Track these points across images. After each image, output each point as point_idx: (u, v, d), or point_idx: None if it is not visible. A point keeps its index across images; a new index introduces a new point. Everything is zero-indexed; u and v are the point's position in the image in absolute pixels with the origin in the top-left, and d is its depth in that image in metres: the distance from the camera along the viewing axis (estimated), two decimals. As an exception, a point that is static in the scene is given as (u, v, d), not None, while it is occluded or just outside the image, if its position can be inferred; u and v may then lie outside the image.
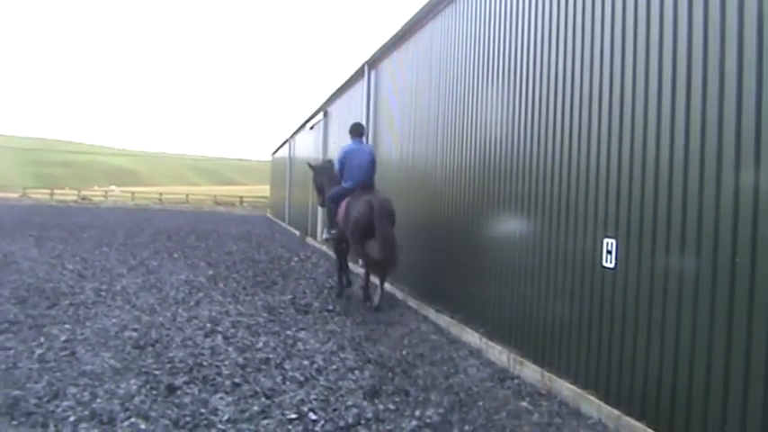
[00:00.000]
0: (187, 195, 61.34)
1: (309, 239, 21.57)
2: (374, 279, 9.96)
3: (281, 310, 9.13)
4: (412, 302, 9.98)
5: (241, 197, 58.82)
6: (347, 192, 10.11)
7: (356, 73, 14.77)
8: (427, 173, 9.73)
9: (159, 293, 10.10)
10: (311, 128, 22.54)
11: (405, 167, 10.99)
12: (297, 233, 24.24)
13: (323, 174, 11.35)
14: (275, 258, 15.65)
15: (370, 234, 9.10)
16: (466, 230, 8.18)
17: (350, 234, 9.52)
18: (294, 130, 28.65)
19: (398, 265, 9.14)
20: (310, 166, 12.18)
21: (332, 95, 18.25)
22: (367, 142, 11.98)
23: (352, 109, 15.65)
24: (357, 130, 10.52)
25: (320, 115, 20.27)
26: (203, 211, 48.46)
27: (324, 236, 10.79)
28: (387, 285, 10.04)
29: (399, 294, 10.64)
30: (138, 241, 18.99)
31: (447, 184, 8.90)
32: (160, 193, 62.10)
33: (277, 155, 37.35)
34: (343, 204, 9.97)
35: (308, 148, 23.67)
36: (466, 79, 8.46)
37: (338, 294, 10.42)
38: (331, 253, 14.85)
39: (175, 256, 15.42)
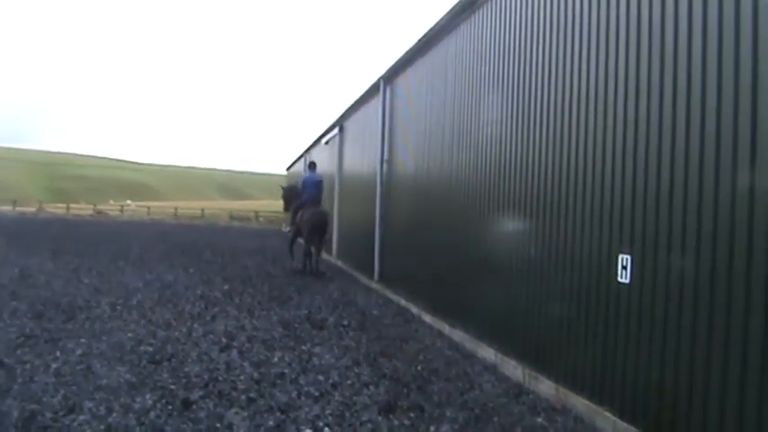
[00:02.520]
0: (203, 210, 61.58)
1: (325, 255, 21.61)
2: (314, 255, 15.70)
3: (297, 325, 9.20)
4: (427, 318, 10.02)
5: (256, 212, 58.97)
6: (303, 203, 16.30)
7: (372, 88, 14.91)
8: (443, 188, 9.81)
9: (175, 308, 10.19)
10: (326, 143, 22.71)
11: (420, 183, 11.09)
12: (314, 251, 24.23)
13: (290, 192, 18.49)
14: (291, 274, 15.74)
15: (316, 229, 15.50)
16: (480, 247, 8.22)
17: (304, 229, 15.77)
18: (309, 145, 28.81)
19: (325, 244, 16.28)
20: (282, 187, 19.67)
21: (347, 110, 18.40)
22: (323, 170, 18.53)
23: (367, 124, 15.80)
24: (312, 166, 16.89)
25: (335, 130, 20.44)
26: (219, 225, 48.68)
27: (287, 229, 18.82)
28: (402, 301, 11.38)
29: (414, 309, 10.69)
30: (153, 256, 19.15)
31: (462, 200, 8.96)
32: (176, 208, 62.34)
33: (292, 170, 37.53)
34: (300, 212, 16.31)
35: (323, 162, 23.77)
36: (481, 94, 8.53)
37: (302, 267, 15.97)
38: (346, 269, 16.92)
39: (191, 270, 15.55)
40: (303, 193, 16.59)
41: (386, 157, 13.55)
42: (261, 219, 56.63)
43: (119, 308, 9.97)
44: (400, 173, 12.54)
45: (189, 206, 69.91)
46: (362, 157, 16.23)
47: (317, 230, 15.86)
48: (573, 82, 6.23)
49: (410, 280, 11.38)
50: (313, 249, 15.89)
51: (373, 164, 14.52)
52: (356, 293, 12.77)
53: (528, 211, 6.99)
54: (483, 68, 8.44)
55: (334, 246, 20.19)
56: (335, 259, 19.64)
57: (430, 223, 10.37)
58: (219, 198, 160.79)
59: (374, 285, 13.65)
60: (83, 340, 7.74)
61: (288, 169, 43.07)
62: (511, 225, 7.38)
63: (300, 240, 17.23)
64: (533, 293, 6.76)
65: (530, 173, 6.97)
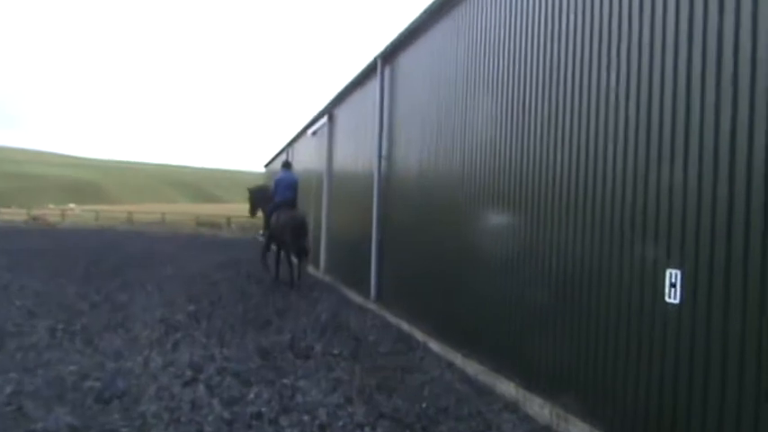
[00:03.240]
0: (163, 215, 61.72)
1: (311, 269, 21.68)
2: (293, 263, 17.17)
3: (277, 354, 9.23)
4: (434, 345, 10.04)
5: (228, 217, 59.06)
6: (277, 205, 17.77)
7: (367, 69, 15.00)
8: (455, 191, 9.87)
9: (128, 334, 10.21)
10: (313, 133, 22.86)
11: (427, 184, 11.18)
12: (295, 261, 24.25)
13: (258, 194, 19.95)
14: (269, 292, 15.79)
15: (293, 236, 16.91)
16: (500, 263, 8.25)
17: (280, 234, 17.34)
18: (293, 137, 28.95)
19: (310, 252, 18.23)
20: (248, 189, 20.71)
21: (338, 96, 18.53)
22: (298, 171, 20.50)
23: (362, 113, 15.93)
24: (286, 165, 18.99)
25: (323, 119, 20.57)
26: (183, 233, 48.78)
27: (260, 233, 20.09)
28: (404, 324, 11.54)
29: (419, 335, 10.73)
30: (102, 270, 19.21)
31: (480, 206, 9.00)
32: (130, 213, 62.49)
33: (272, 166, 37.63)
34: (274, 216, 17.72)
35: (309, 156, 23.87)
36: (509, 72, 8.55)
37: (273, 276, 17.92)
38: (336, 286, 17.11)
39: (149, 288, 15.62)
40: (275, 195, 17.95)
41: (384, 152, 13.62)
42: (233, 226, 56.71)
43: (58, 334, 9.98)
44: (402, 171, 12.60)
45: (146, 210, 69.99)
46: (356, 152, 16.32)
47: (296, 236, 17.05)
48: (629, 65, 6.24)
49: (414, 299, 11.42)
50: (294, 259, 17.30)
51: (369, 160, 14.61)
52: (348, 315, 12.81)
53: (557, 220, 7.00)
54: (510, 41, 8.39)
55: (322, 258, 20.27)
56: (323, 274, 19.70)
57: (438, 232, 10.42)
58: (184, 201, 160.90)
59: (370, 305, 13.70)
60: (13, 375, 7.72)
61: (266, 166, 43.21)
62: (536, 236, 7.42)
63: (275, 247, 18.44)
64: (562, 318, 6.76)
65: (558, 172, 7.00)
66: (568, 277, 6.72)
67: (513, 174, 8.01)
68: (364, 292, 14.36)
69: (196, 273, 19.63)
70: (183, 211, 75.73)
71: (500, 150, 8.41)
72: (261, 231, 20.02)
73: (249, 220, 25.49)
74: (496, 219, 8.43)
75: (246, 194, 20.86)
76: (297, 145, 28.45)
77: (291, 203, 17.81)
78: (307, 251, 17.65)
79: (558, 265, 6.90)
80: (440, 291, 10.20)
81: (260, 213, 20.46)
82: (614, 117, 6.15)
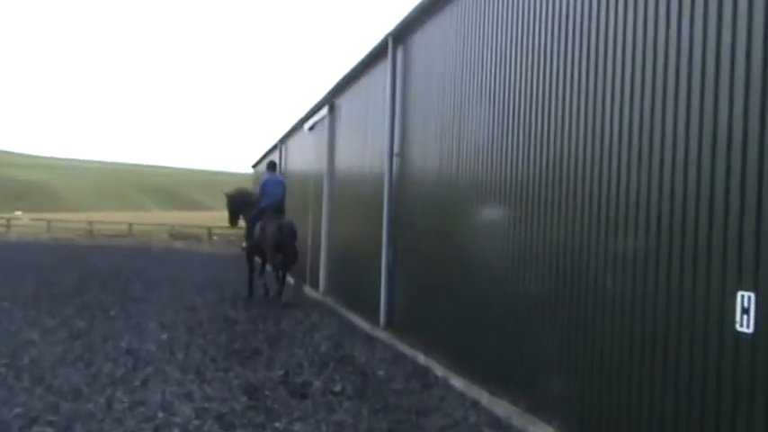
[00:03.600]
0: (130, 225, 61.58)
1: (308, 289, 21.74)
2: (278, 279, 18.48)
3: (268, 393, 9.26)
4: (456, 381, 10.07)
5: (209, 227, 59.05)
6: (263, 210, 18.75)
7: (376, 51, 15.11)
8: (484, 196, 9.90)
9: (88, 369, 10.22)
10: (311, 128, 23.03)
11: (449, 188, 11.23)
12: (290, 281, 24.29)
13: (237, 200, 20.65)
14: (259, 317, 15.87)
15: (280, 248, 17.96)
16: (537, 281, 8.27)
17: (265, 245, 18.22)
18: (285, 132, 29.11)
19: (295, 263, 19.10)
20: (226, 194, 21.36)
21: (340, 83, 18.68)
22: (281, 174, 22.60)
23: (369, 103, 16.03)
24: (272, 166, 20.21)
25: (323, 111, 20.73)
26: (154, 247, 48.80)
27: (244, 245, 20.07)
28: (420, 357, 11.63)
29: (438, 369, 10.78)
30: (57, 292, 19.28)
31: (514, 214, 9.01)
32: (90, 222, 62.45)
33: (261, 167, 37.74)
34: (259, 225, 18.58)
35: (306, 155, 23.96)
36: (553, 49, 8.55)
37: (249, 294, 19.11)
38: (339, 310, 17.21)
39: (113, 313, 15.70)
40: (261, 201, 19.05)
41: (397, 149, 13.69)
42: (216, 238, 56.71)
43: (1, 370, 9.99)
44: (418, 172, 12.67)
45: (110, 219, 69.88)
46: (363, 150, 16.43)
47: (283, 248, 18.01)
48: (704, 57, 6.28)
49: (432, 327, 11.48)
50: (279, 273, 18.48)
51: (379, 159, 14.70)
52: (354, 345, 12.85)
53: (607, 232, 7.01)
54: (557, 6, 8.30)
55: (322, 276, 20.37)
56: (323, 295, 19.78)
57: (463, 246, 10.47)
58: (156, 207, 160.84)
59: (379, 334, 13.76)
60: (-57, 421, 7.71)
61: (254, 167, 43.42)
62: (579, 249, 7.43)
63: (258, 260, 19.53)
64: (613, 348, 6.78)
65: (614, 184, 6.98)
66: (626, 303, 6.70)
67: (545, 174, 8.07)
68: (372, 317, 14.42)
69: (170, 295, 19.72)
70: (154, 220, 75.50)
71: (515, 149, 8.50)
72: (243, 244, 20.69)
73: (235, 231, 25.52)
74: (541, 230, 8.41)
75: (225, 200, 21.33)
76: (290, 142, 28.54)
77: (278, 209, 18.80)
78: (291, 263, 18.68)
79: (619, 293, 6.87)
80: (464, 317, 10.24)
81: (242, 222, 20.86)
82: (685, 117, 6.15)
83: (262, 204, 18.87)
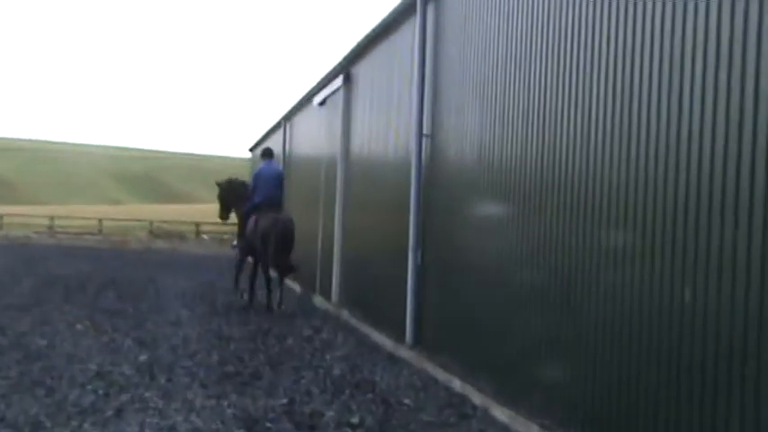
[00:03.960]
0: (100, 221, 61.82)
1: (319, 300, 21.71)
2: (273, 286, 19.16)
3: (269, 425, 9.23)
4: (499, 412, 10.05)
5: (197, 223, 59.11)
6: (257, 205, 19.28)
7: (402, 8, 15.11)
8: (543, 187, 9.77)
9: (50, 397, 10.17)
10: (321, 103, 23.09)
11: (493, 177, 11.17)
12: (296, 289, 24.71)
13: (230, 191, 21.45)
14: (258, 333, 15.85)
15: (275, 246, 18.50)
16: (602, 292, 8.21)
17: (259, 243, 18.78)
18: (290, 109, 29.22)
19: (295, 270, 19.82)
20: (218, 184, 22.11)
21: (357, 48, 18.75)
22: (279, 163, 23.57)
23: (393, 72, 16.05)
24: (267, 154, 20.51)
25: (337, 81, 20.75)
26: (130, 248, 48.78)
27: (233, 243, 21.99)
28: (455, 382, 11.53)
29: (477, 398, 10.75)
30: (9, 303, 19.27)
31: (582, 209, 8.88)
32: (51, 218, 62.57)
33: (260, 150, 37.73)
34: (251, 220, 19.28)
35: (316, 135, 23.95)
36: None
37: (247, 301, 19.79)
38: (355, 324, 17.21)
39: (79, 327, 15.68)
40: (254, 193, 19.75)
41: (427, 129, 13.70)
42: (205, 236, 56.80)
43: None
44: (453, 157, 12.66)
45: (76, 214, 70.13)
46: (386, 129, 16.47)
47: (279, 247, 18.63)
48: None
49: (472, 346, 11.47)
50: (272, 274, 19.18)
51: (405, 140, 14.75)
52: (374, 367, 12.84)
53: (701, 238, 6.91)
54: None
55: (335, 284, 20.42)
56: (336, 307, 19.76)
57: (512, 247, 10.41)
58: (133, 199, 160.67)
59: (405, 353, 13.75)
60: None
61: (252, 150, 43.60)
62: (660, 260, 7.32)
63: (252, 260, 20.09)
64: (690, 360, 6.76)
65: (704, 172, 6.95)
66: (708, 311, 6.67)
67: (627, 161, 7.99)
68: (396, 333, 14.43)
69: (150, 306, 19.74)
70: (130, 214, 75.81)
71: (578, 129, 8.45)
72: (234, 242, 21.61)
73: (229, 228, 25.63)
74: (602, 230, 8.35)
75: (216, 191, 21.95)
76: (297, 120, 28.53)
77: (275, 203, 19.40)
78: (292, 267, 19.30)
79: (693, 297, 6.84)
80: (511, 334, 10.22)
81: (234, 216, 21.35)
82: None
83: (255, 200, 19.51)
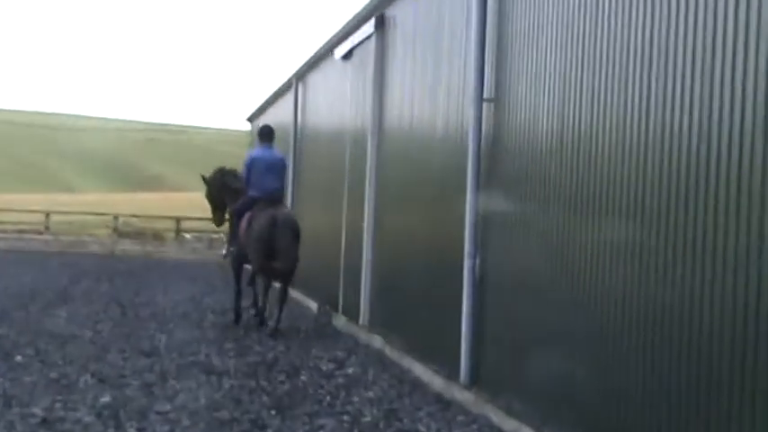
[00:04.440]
0: (47, 215, 62.28)
1: (342, 321, 21.68)
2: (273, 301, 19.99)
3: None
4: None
5: (177, 218, 59.41)
6: (252, 202, 19.85)
7: None
8: (642, 169, 9.60)
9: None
10: (345, 56, 23.14)
11: (574, 155, 11.07)
12: (312, 306, 24.96)
13: (220, 185, 21.83)
14: (261, 366, 15.89)
15: (273, 250, 19.07)
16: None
17: (251, 250, 19.46)
18: (303, 65, 29.44)
19: (294, 271, 20.22)
20: (204, 178, 22.66)
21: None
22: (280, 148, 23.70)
23: (444, 12, 16.03)
24: (266, 135, 20.78)
25: (367, 27, 20.74)
26: (88, 251, 49.26)
27: (223, 252, 23.03)
28: (494, 419, 12.15)
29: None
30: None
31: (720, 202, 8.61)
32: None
33: (263, 119, 37.88)
34: (246, 218, 19.79)
35: (338, 99, 24.12)
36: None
37: (260, 315, 20.32)
38: (391, 354, 17.43)
39: (19, 359, 15.73)
40: (248, 185, 20.45)
41: (489, 91, 13.64)
42: (187, 235, 57.07)
43: None
44: (524, 129, 12.59)
45: (14, 205, 70.70)
46: (433, 91, 16.44)
47: (281, 250, 19.30)
48: None
49: (551, 383, 11.34)
50: (276, 284, 20.16)
51: (458, 106, 14.74)
52: (416, 414, 12.81)
53: None
54: None
55: (364, 300, 20.56)
56: (367, 331, 19.83)
57: (609, 253, 10.20)
58: (91, 187, 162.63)
59: (459, 394, 13.83)
60: None
61: (252, 120, 44.21)
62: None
63: (252, 270, 20.75)
64: None
65: None
66: None
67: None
68: (447, 367, 14.44)
69: (114, 330, 19.87)
70: (88, 206, 76.25)
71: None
72: (224, 249, 22.70)
73: (222, 227, 25.86)
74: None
75: (203, 187, 22.63)
76: (312, 79, 28.82)
77: (275, 198, 20.24)
78: (290, 272, 20.15)
79: None
80: (607, 368, 10.01)
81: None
82: None
83: (249, 194, 20.21)
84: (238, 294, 20.60)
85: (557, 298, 11.38)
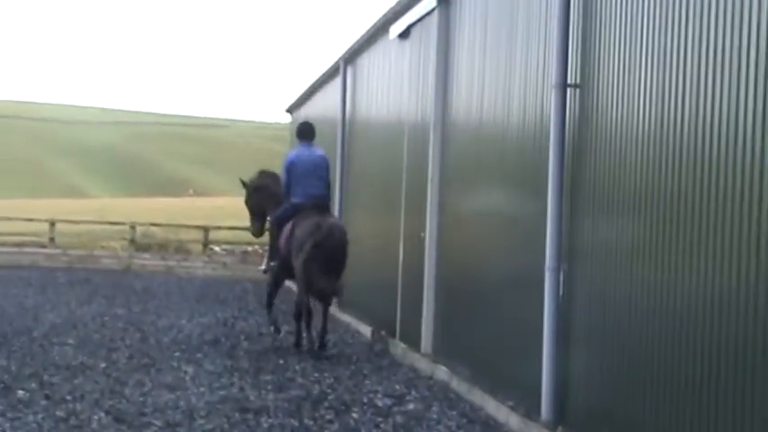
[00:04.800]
0: (52, 225, 62.21)
1: (401, 349, 21.70)
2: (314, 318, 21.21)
3: None
4: None
5: (205, 228, 59.17)
6: (294, 210, 20.98)
7: None
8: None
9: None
10: (402, 34, 23.21)
11: (679, 152, 11.03)
12: (364, 331, 25.11)
13: (262, 191, 23.05)
14: (305, 402, 15.94)
15: (319, 262, 20.14)
16: None
17: (300, 259, 20.30)
18: (352, 46, 29.56)
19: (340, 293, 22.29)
20: (243, 183, 24.01)
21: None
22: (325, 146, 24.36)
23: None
24: (306, 132, 21.96)
25: (428, 1, 20.75)
26: (100, 267, 49.01)
27: (262, 267, 24.31)
28: None
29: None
30: None
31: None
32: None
33: (306, 111, 37.97)
34: (287, 228, 20.95)
35: (394, 85, 24.01)
36: None
37: (297, 338, 21.57)
38: (456, 384, 17.42)
39: (20, 394, 15.80)
40: (289, 191, 21.80)
41: (573, 77, 13.76)
42: (217, 248, 57.06)
43: None
44: (616, 119, 12.64)
45: (14, 213, 70.81)
46: (508, 75, 16.49)
47: (328, 262, 20.52)
48: None
49: (654, 422, 11.32)
50: (317, 303, 21.14)
51: (537, 93, 14.84)
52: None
53: None
54: None
55: (426, 325, 20.54)
56: (429, 362, 19.79)
57: (730, 266, 10.05)
58: (104, 191, 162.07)
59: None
60: None
61: (292, 111, 44.49)
62: None
63: (292, 286, 21.98)
64: None
65: None
66: None
67: None
68: (526, 403, 14.47)
69: (133, 358, 19.97)
70: (102, 213, 76.44)
71: None
72: (263, 264, 23.87)
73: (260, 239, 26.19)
74: None
75: (236, 191, 23.25)
76: (363, 62, 28.69)
77: (319, 204, 21.40)
78: (337, 291, 21.73)
79: None
80: (728, 401, 10.02)
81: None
82: None
83: (291, 199, 21.51)
84: (270, 307, 22.29)
85: (664, 319, 11.19)
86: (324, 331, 20.68)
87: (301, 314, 20.89)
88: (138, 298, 33.53)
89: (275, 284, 22.08)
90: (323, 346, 20.50)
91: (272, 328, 22.36)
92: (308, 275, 20.17)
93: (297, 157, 21.27)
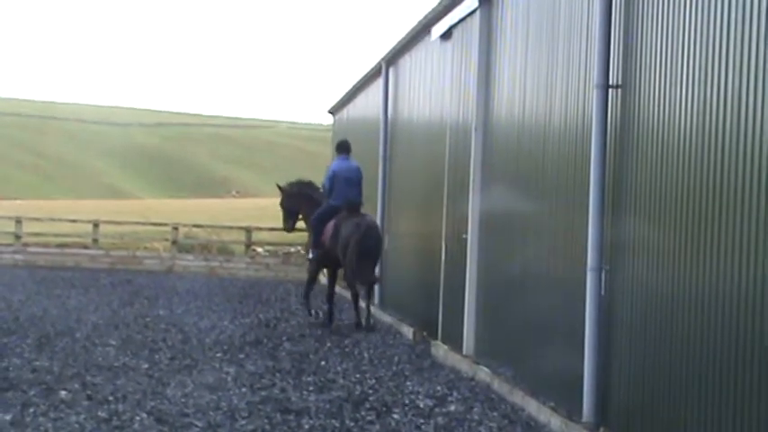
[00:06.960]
0: (96, 226, 61.97)
1: (443, 351, 21.65)
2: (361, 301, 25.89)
3: None
4: None
5: (247, 229, 58.89)
6: (333, 210, 25.23)
7: None
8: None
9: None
10: (444, 35, 23.13)
11: (722, 155, 10.97)
12: (406, 332, 25.06)
13: (296, 195, 27.40)
14: (347, 402, 15.97)
15: (366, 253, 24.93)
16: None
17: (345, 254, 24.65)
18: (393, 48, 29.53)
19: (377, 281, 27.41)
20: (280, 188, 28.36)
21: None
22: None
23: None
24: (344, 147, 26.61)
25: (470, 1, 20.68)
26: (143, 269, 48.90)
27: (310, 255, 27.47)
28: None
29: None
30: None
31: None
32: (17, 220, 62.61)
33: (345, 114, 37.89)
34: (331, 224, 25.05)
35: (436, 86, 23.99)
36: None
37: (322, 323, 26.21)
38: (498, 386, 17.33)
39: (64, 394, 15.85)
40: (330, 196, 25.84)
41: (615, 77, 13.70)
42: (260, 249, 56.95)
43: None
44: (659, 122, 12.56)
45: (58, 214, 70.78)
46: (550, 77, 16.47)
47: (368, 256, 24.79)
48: None
49: (699, 425, 11.24)
50: (360, 290, 25.60)
51: (579, 94, 14.80)
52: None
53: None
54: None
55: (467, 327, 20.54)
56: (471, 363, 19.70)
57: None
58: (147, 192, 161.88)
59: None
60: None
61: (334, 112, 44.47)
62: None
63: (325, 279, 26.69)
64: None
65: None
66: None
67: None
68: (568, 404, 14.49)
69: (174, 359, 20.05)
70: (145, 213, 76.28)
71: None
72: (308, 252, 27.36)
73: (293, 238, 28.71)
74: None
75: (280, 196, 27.60)
76: (404, 64, 28.66)
77: (354, 207, 25.03)
78: (375, 280, 26.52)
79: None
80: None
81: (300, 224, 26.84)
82: None
83: (332, 202, 25.16)
84: (308, 299, 26.75)
85: (707, 319, 11.13)
86: (368, 311, 25.05)
87: (333, 296, 26.09)
88: (180, 299, 33.55)
89: (316, 270, 25.91)
90: (370, 326, 24.11)
91: (310, 312, 26.62)
92: (354, 265, 24.09)
93: (338, 167, 25.73)
